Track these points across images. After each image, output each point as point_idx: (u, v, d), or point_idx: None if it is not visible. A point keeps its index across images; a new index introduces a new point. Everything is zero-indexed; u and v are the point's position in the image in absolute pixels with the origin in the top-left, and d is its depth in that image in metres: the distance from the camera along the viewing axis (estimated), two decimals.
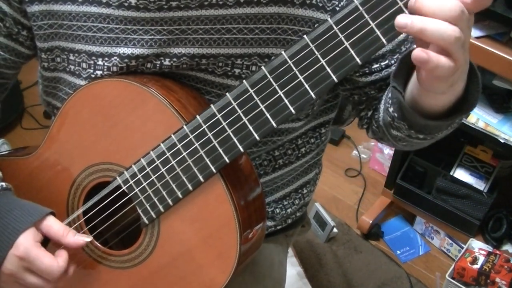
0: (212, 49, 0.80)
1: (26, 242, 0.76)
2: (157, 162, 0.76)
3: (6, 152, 1.00)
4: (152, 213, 0.79)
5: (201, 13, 0.78)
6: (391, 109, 0.80)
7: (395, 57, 0.87)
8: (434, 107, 0.72)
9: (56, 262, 0.76)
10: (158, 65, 0.82)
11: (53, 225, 0.79)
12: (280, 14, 0.78)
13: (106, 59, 0.83)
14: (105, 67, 0.83)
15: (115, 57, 0.82)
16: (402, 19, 0.58)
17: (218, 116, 0.71)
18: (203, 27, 0.79)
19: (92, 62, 0.84)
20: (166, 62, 0.81)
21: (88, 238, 0.80)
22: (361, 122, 0.97)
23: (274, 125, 0.68)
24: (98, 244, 0.86)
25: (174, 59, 0.81)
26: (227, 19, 0.78)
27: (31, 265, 0.76)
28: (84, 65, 0.85)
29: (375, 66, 0.86)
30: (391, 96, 0.80)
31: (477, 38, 1.57)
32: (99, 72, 0.84)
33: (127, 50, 0.81)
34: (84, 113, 0.82)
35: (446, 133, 0.81)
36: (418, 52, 0.59)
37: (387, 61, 0.86)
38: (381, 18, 0.60)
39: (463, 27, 0.59)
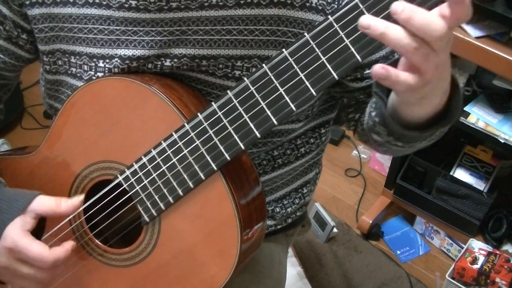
0: (212, 50, 0.80)
1: (13, 232, 0.76)
2: (158, 159, 0.76)
3: (6, 152, 1.00)
4: (153, 211, 0.79)
5: (201, 14, 0.78)
6: (373, 114, 0.81)
7: (387, 63, 0.87)
8: (412, 117, 0.72)
9: (46, 249, 0.76)
10: (159, 66, 0.82)
11: (44, 202, 0.79)
12: (280, 16, 0.79)
13: (107, 60, 0.83)
14: (106, 68, 0.84)
15: (116, 59, 0.83)
16: (366, 20, 0.58)
17: (219, 113, 0.71)
18: (203, 28, 0.79)
19: (93, 64, 0.85)
20: (167, 63, 0.81)
21: (81, 196, 0.81)
22: (348, 124, 0.98)
23: (275, 122, 0.68)
24: (99, 243, 0.86)
25: (175, 60, 0.81)
26: (227, 20, 0.79)
27: (21, 255, 0.76)
28: (85, 67, 0.85)
29: (367, 71, 0.87)
30: (375, 101, 0.81)
31: (477, 38, 1.58)
32: (100, 74, 0.84)
33: (128, 52, 0.82)
34: (85, 112, 0.82)
35: (426, 144, 0.82)
36: (377, 69, 0.60)
37: None
38: (381, 16, 0.60)
39: (438, 46, 0.58)
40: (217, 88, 0.84)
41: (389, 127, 0.77)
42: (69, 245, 0.79)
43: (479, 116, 1.72)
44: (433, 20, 0.57)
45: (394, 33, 0.58)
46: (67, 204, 0.79)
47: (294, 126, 0.92)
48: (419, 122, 0.73)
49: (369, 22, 0.58)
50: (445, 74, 0.65)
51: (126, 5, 0.80)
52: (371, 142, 0.90)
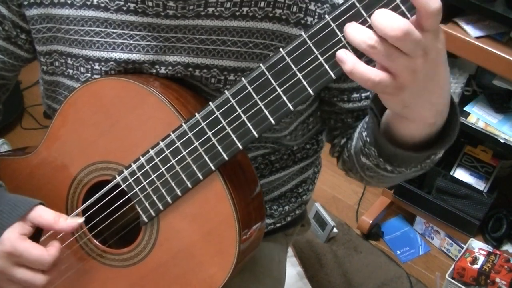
0: (206, 59, 0.81)
1: (12, 237, 0.75)
2: (156, 160, 0.76)
3: (6, 152, 1.01)
4: (151, 211, 0.79)
5: (197, 23, 0.79)
6: (364, 133, 0.79)
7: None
8: (404, 136, 0.70)
9: (45, 251, 0.76)
10: (154, 74, 0.82)
11: (43, 214, 0.78)
12: (274, 31, 0.79)
13: (103, 63, 0.83)
14: (103, 71, 0.84)
15: (112, 62, 0.83)
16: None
17: (217, 113, 0.71)
18: (199, 37, 0.79)
19: (89, 66, 0.85)
20: (162, 70, 0.82)
21: (80, 219, 0.80)
22: (333, 149, 0.96)
23: (273, 122, 0.68)
24: (97, 243, 0.86)
25: (169, 68, 0.81)
26: (222, 30, 0.79)
27: (20, 258, 0.76)
28: (82, 69, 0.86)
29: (355, 95, 0.86)
30: (367, 120, 0.79)
31: (477, 38, 1.58)
32: (97, 76, 0.84)
33: (123, 55, 0.82)
34: (83, 112, 0.82)
35: (416, 172, 0.79)
36: (340, 51, 0.60)
37: (368, 93, 0.86)
38: None
39: (405, 48, 0.57)
40: (211, 96, 0.84)
41: (380, 147, 0.75)
42: (57, 242, 0.79)
43: (479, 116, 1.72)
44: (392, 17, 0.56)
45: (351, 30, 0.58)
46: (66, 223, 0.78)
47: (290, 143, 0.93)
48: (412, 142, 0.71)
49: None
50: (433, 87, 0.62)
51: (125, 8, 0.80)
52: (356, 168, 0.87)
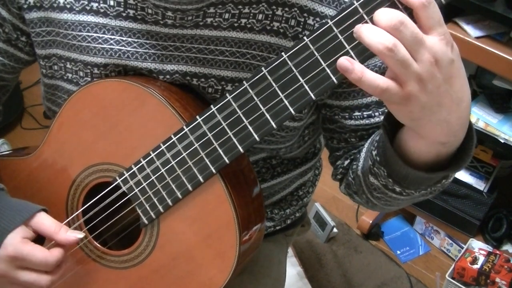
0: (204, 69, 0.80)
1: (14, 241, 0.75)
2: (157, 162, 0.76)
3: (6, 152, 1.00)
4: (152, 214, 0.79)
5: (196, 33, 0.79)
6: (374, 152, 0.77)
7: (380, 110, 0.85)
8: (412, 154, 0.69)
9: (49, 252, 0.76)
10: None
11: (44, 222, 0.78)
12: (272, 44, 0.79)
13: (102, 68, 0.83)
14: (103, 74, 0.84)
15: (111, 66, 0.83)
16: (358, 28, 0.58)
17: (219, 117, 0.71)
18: (197, 46, 0.79)
19: (88, 70, 0.85)
20: (160, 78, 0.82)
21: (80, 234, 0.79)
22: (336, 172, 0.94)
23: (274, 126, 0.68)
24: (98, 244, 0.86)
25: (167, 76, 0.81)
26: (221, 40, 0.79)
27: (25, 262, 0.76)
28: (81, 73, 0.85)
29: (357, 113, 0.85)
30: (378, 140, 0.77)
31: (477, 38, 1.58)
32: (97, 80, 0.84)
33: (121, 62, 0.82)
34: (84, 114, 0.82)
35: (424, 196, 0.78)
36: (343, 60, 0.58)
37: (370, 112, 0.85)
38: None
39: (414, 50, 0.56)
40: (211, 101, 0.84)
41: (390, 167, 0.73)
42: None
43: (479, 116, 1.71)
44: (388, 10, 0.56)
45: (367, 33, 0.57)
46: (65, 235, 0.78)
47: (286, 155, 0.92)
48: (418, 161, 0.69)
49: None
50: (446, 101, 0.60)
51: (124, 14, 0.80)
52: (363, 189, 0.84)
